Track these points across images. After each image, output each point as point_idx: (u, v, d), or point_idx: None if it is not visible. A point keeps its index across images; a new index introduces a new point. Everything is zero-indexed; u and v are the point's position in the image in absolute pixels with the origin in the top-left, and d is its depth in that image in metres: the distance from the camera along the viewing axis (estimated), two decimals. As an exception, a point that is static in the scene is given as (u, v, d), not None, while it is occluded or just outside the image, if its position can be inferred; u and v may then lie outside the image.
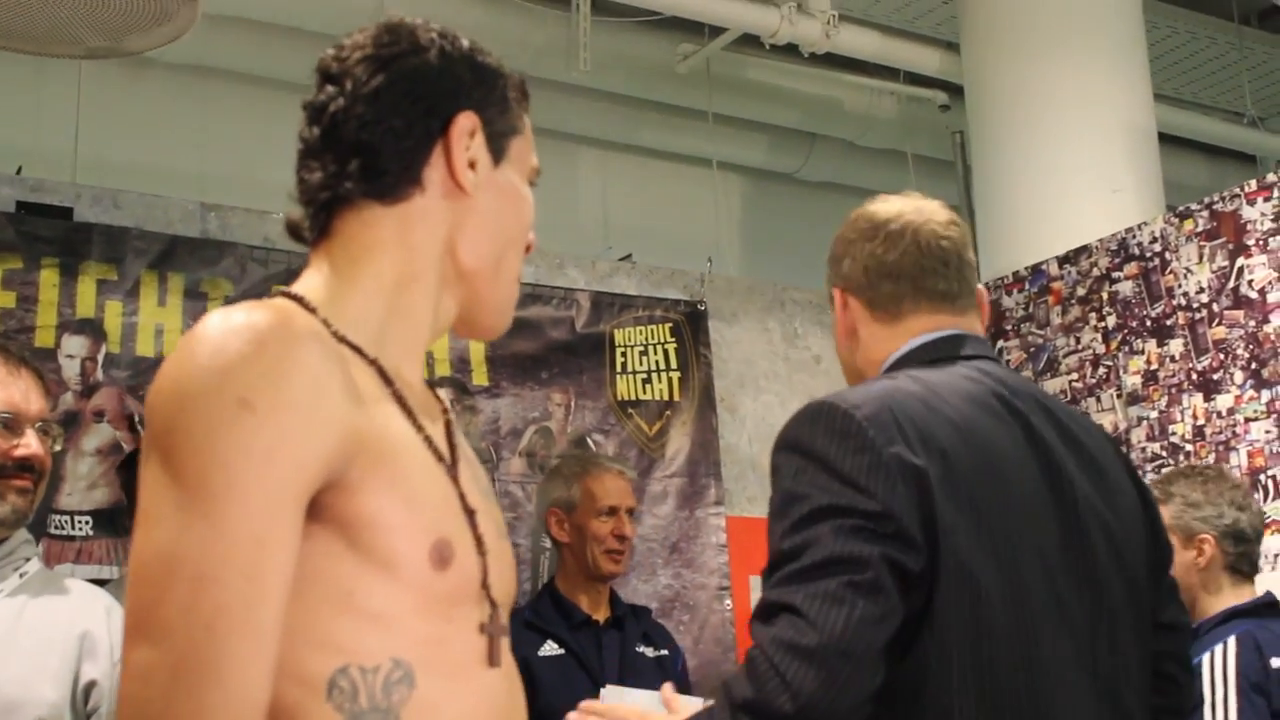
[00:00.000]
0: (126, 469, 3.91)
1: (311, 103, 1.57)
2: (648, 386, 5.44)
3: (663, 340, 5.52)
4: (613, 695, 3.65)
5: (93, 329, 4.45)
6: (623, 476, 4.13)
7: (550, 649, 3.84)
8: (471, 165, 1.57)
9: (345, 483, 1.35)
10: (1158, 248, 5.14)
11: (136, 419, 4.43)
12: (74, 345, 4.42)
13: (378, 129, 1.52)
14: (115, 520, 4.32)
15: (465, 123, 1.56)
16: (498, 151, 1.60)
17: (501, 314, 1.64)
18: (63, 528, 4.24)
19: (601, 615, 3.98)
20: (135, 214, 4.68)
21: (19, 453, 2.51)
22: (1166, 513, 3.30)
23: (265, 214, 4.92)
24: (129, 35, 4.07)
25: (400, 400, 1.49)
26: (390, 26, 1.59)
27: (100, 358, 4.43)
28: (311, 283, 1.54)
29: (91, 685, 2.59)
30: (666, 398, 5.48)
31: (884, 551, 1.77)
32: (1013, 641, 1.83)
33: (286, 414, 1.30)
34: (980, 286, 2.23)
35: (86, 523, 4.29)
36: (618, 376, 5.39)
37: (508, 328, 1.67)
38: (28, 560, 2.64)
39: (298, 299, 1.50)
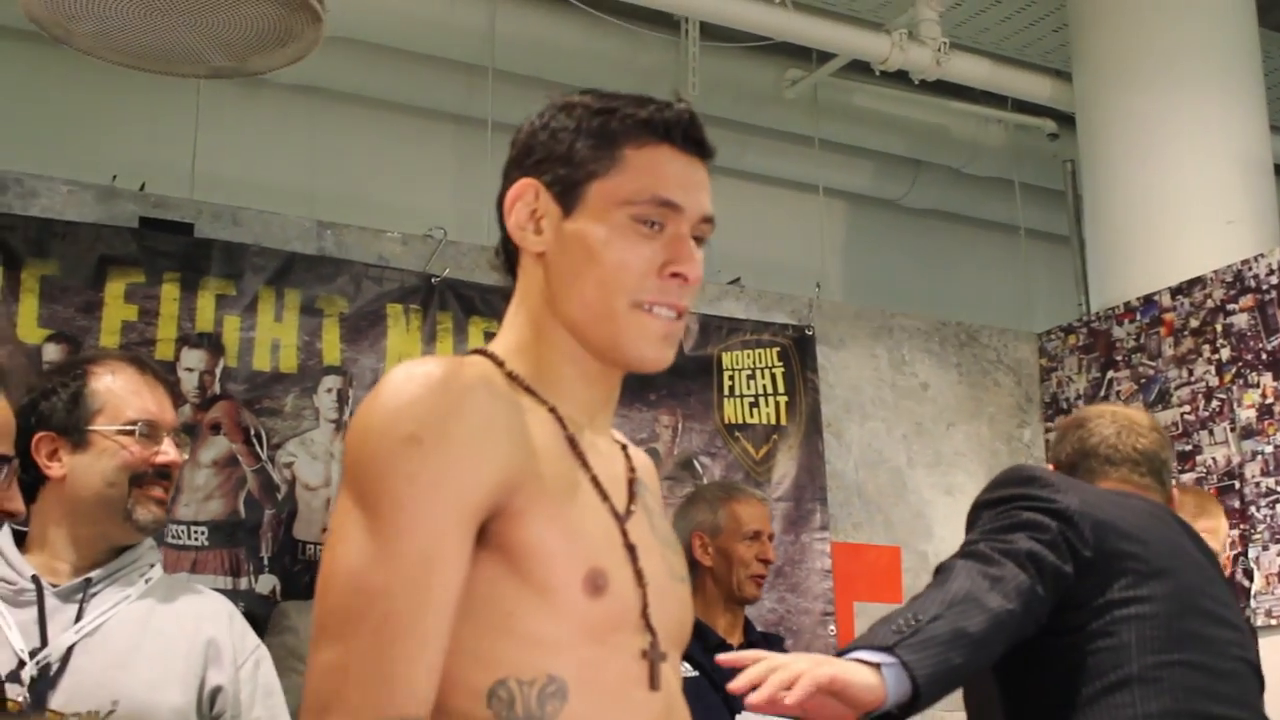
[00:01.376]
0: None
1: None
2: (755, 410, 5.44)
3: (770, 364, 5.52)
4: None
5: (211, 343, 4.51)
6: (764, 503, 4.21)
7: (685, 670, 3.85)
8: (538, 224, 1.69)
9: (509, 513, 1.50)
10: (1274, 280, 5.07)
11: (252, 432, 4.48)
12: (193, 359, 4.48)
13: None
14: (230, 531, 4.37)
15: (515, 190, 1.70)
16: (568, 202, 1.67)
17: (627, 353, 1.67)
18: (179, 538, 4.30)
19: (736, 640, 4.01)
20: (253, 231, 4.75)
21: (159, 460, 2.56)
22: None
23: (380, 232, 4.98)
24: (253, 56, 4.12)
25: (571, 443, 1.63)
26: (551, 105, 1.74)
27: (218, 371, 4.49)
28: (500, 344, 1.73)
29: (217, 691, 2.63)
30: (773, 422, 5.47)
31: None
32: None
33: (451, 447, 1.47)
34: None
35: (202, 533, 4.34)
36: (725, 400, 5.40)
37: (665, 360, 1.70)
38: (153, 566, 2.69)
39: (489, 354, 1.69)
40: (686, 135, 1.75)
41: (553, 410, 1.64)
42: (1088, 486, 2.57)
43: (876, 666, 2.02)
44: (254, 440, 4.48)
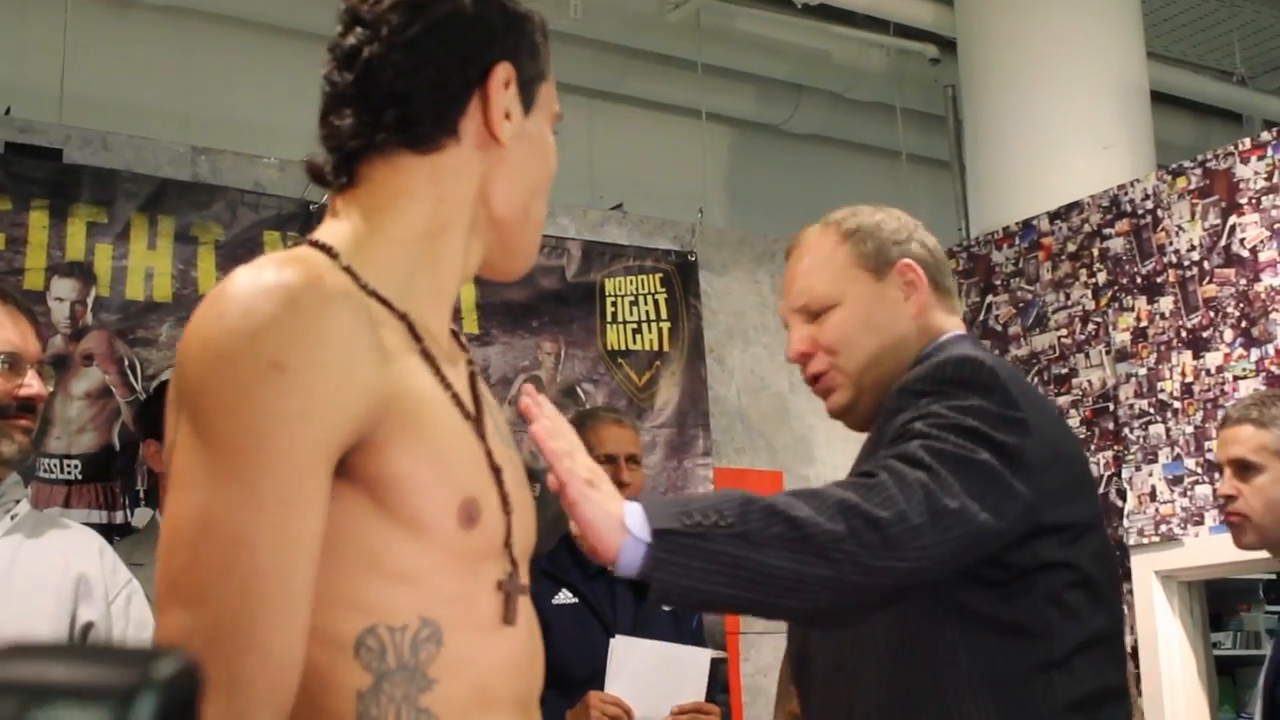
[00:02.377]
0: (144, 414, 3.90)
1: (340, 45, 1.52)
2: (638, 336, 5.43)
3: (653, 290, 5.51)
4: (622, 646, 3.67)
5: (82, 272, 4.41)
6: (621, 424, 4.17)
7: (565, 597, 3.89)
8: (506, 116, 1.53)
9: (373, 443, 1.35)
10: (1149, 205, 5.14)
11: (126, 363, 4.40)
12: (63, 288, 4.38)
13: (415, 79, 1.49)
14: (104, 464, 4.30)
15: (502, 74, 1.53)
16: (528, 100, 1.57)
17: (528, 257, 1.63)
18: (51, 471, 4.22)
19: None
20: (125, 156, 4.64)
21: (22, 392, 2.50)
22: (1267, 436, 3.19)
23: (256, 158, 4.89)
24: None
25: (428, 357, 1.48)
26: None
27: (90, 301, 4.39)
28: (338, 231, 1.51)
29: (89, 627, 2.58)
30: (656, 348, 5.47)
31: None
32: None
33: (318, 376, 1.31)
34: None
35: (75, 466, 4.26)
36: (608, 326, 5.38)
37: (529, 268, 1.66)
38: (18, 502, 2.63)
39: (325, 248, 1.48)
40: None
41: (404, 318, 1.48)
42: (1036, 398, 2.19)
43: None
44: (128, 371, 4.39)
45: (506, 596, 1.47)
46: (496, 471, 1.48)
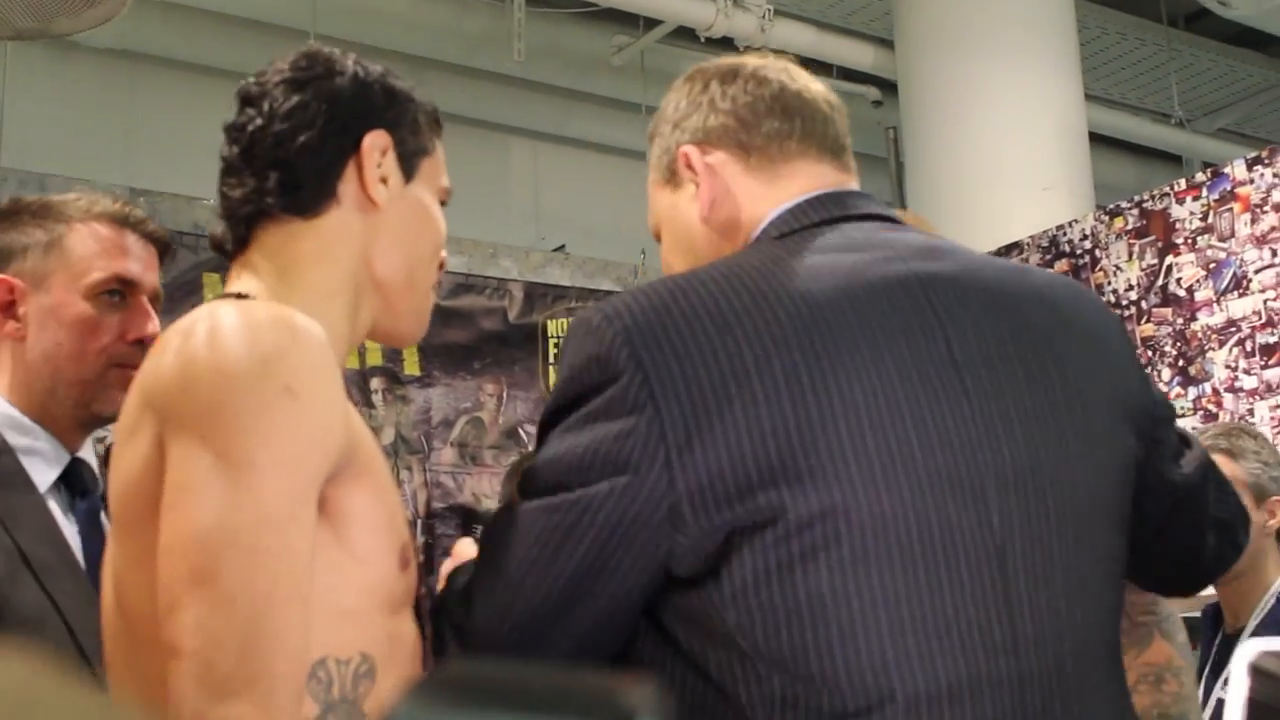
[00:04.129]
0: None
1: (231, 124, 1.63)
2: (580, 378, 5.42)
3: (595, 332, 5.50)
4: None
5: (18, 314, 4.37)
6: None
7: None
8: (383, 181, 1.61)
9: (344, 476, 1.42)
10: (1088, 245, 5.18)
11: None
12: None
13: (293, 145, 1.57)
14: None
15: (377, 140, 1.61)
16: (409, 170, 1.65)
17: (416, 323, 1.69)
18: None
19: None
20: (62, 198, 4.61)
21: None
22: (1238, 469, 3.08)
23: (194, 200, 4.87)
24: (58, 17, 4.01)
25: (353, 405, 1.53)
26: (309, 53, 1.65)
27: (25, 343, 4.35)
28: (255, 289, 1.56)
29: None
30: (599, 389, 5.45)
31: None
32: None
33: (320, 405, 1.39)
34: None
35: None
36: (550, 367, 5.37)
37: (422, 335, 1.71)
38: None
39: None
40: None
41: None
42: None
43: None
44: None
45: (424, 640, 1.54)
46: (411, 524, 1.54)
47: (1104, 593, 1.49)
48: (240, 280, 1.58)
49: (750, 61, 1.76)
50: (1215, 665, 3.25)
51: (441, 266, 1.70)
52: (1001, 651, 1.37)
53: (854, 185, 1.71)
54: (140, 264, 2.07)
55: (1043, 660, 1.39)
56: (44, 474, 1.97)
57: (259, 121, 1.59)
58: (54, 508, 1.95)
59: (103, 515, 1.98)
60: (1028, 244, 5.38)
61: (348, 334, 1.61)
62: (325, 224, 1.58)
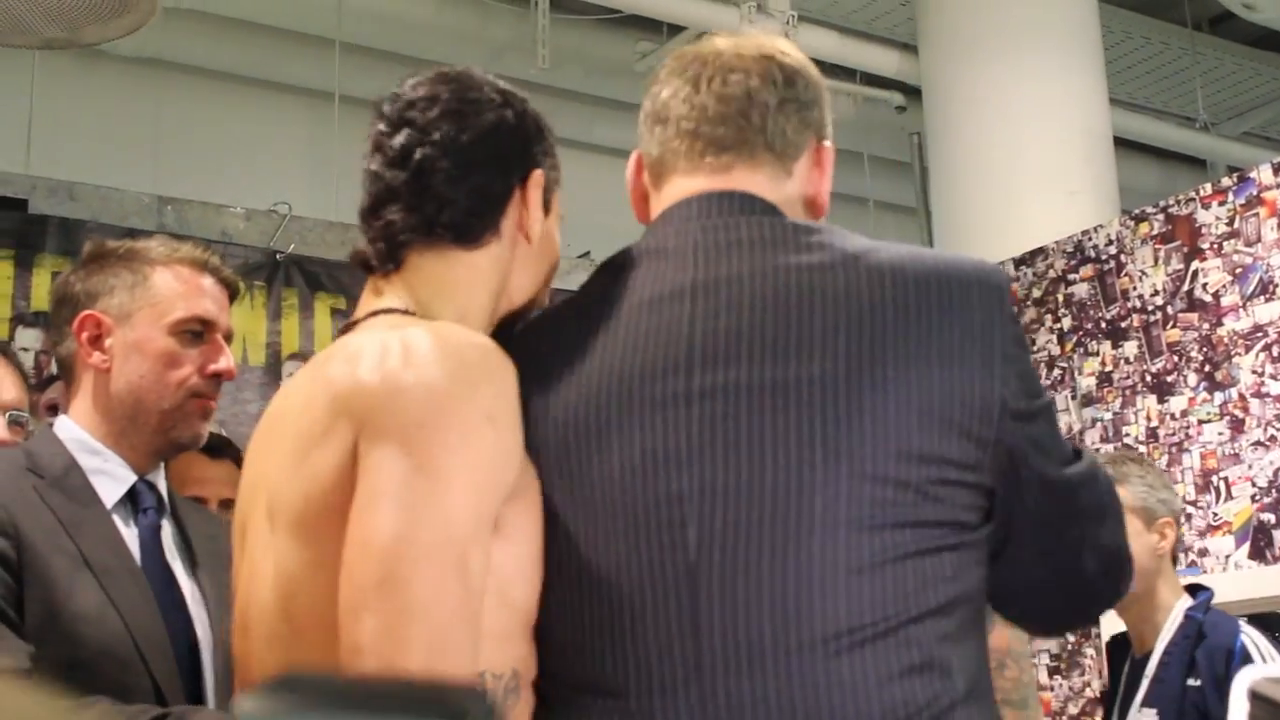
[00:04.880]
0: None
1: (388, 143, 1.67)
2: (605, 384, 5.42)
3: (620, 338, 5.51)
4: None
5: (47, 322, 4.39)
6: None
7: None
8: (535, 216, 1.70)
9: (514, 499, 1.49)
10: (1113, 250, 5.17)
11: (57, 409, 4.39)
12: (28, 338, 4.38)
13: (464, 183, 1.64)
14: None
15: (539, 180, 1.69)
16: (547, 203, 1.73)
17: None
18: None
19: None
20: (91, 206, 4.65)
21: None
22: (1125, 493, 3.08)
23: (222, 207, 4.90)
24: (86, 26, 4.03)
25: None
26: (449, 76, 1.69)
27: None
28: (405, 305, 1.64)
29: None
30: (624, 395, 5.46)
31: None
32: None
33: (511, 433, 1.48)
34: (824, 144, 1.76)
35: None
36: (575, 374, 5.38)
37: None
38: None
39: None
40: None
41: None
42: None
43: None
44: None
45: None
46: None
47: (859, 596, 1.45)
48: (389, 297, 1.65)
49: (683, 56, 1.76)
50: (1127, 691, 3.25)
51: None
52: (683, 671, 1.45)
53: (732, 177, 1.68)
54: (216, 305, 2.23)
55: (731, 682, 1.43)
56: (110, 491, 2.13)
57: (428, 151, 1.64)
58: (117, 520, 2.11)
59: (166, 527, 2.19)
60: (1052, 249, 5.38)
61: None
62: (483, 256, 1.66)
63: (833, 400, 1.48)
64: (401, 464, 1.41)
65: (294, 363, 4.79)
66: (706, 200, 1.66)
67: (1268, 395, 4.60)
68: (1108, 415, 5.07)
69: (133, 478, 2.17)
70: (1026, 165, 5.76)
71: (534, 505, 1.53)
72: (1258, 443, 4.61)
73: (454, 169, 1.64)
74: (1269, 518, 4.54)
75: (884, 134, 7.32)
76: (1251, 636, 3.15)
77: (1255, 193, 4.75)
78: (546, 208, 1.72)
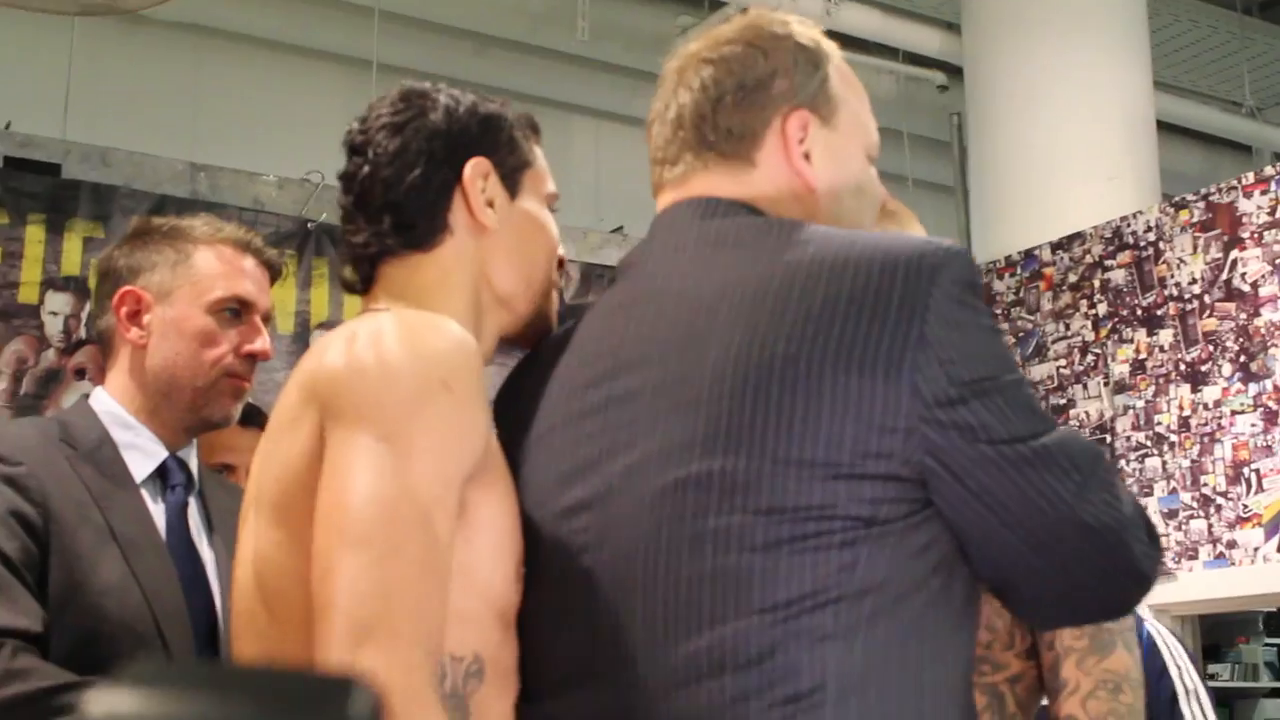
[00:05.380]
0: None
1: (343, 173, 1.75)
2: (635, 360, 5.42)
3: (651, 314, 5.50)
4: None
5: (77, 286, 4.42)
6: None
7: None
8: (490, 204, 1.73)
9: (478, 481, 1.53)
10: (1152, 237, 5.12)
11: (85, 373, 4.42)
12: (58, 302, 4.40)
13: (401, 188, 1.70)
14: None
15: (477, 167, 1.73)
16: (512, 187, 1.76)
17: (544, 325, 1.79)
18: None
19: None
20: (124, 172, 4.66)
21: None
22: None
23: (255, 175, 4.90)
24: (123, -8, 4.04)
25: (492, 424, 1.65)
26: (404, 94, 1.76)
27: (84, 315, 4.40)
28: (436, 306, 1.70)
29: None
30: (653, 372, 5.45)
31: None
32: None
33: (472, 403, 1.51)
34: (795, 111, 1.71)
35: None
36: (605, 349, 5.38)
37: (552, 332, 1.80)
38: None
39: None
40: None
41: None
42: None
43: None
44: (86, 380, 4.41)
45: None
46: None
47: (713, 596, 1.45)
48: (376, 305, 1.71)
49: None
50: None
51: (561, 265, 1.82)
52: (579, 677, 1.52)
53: (690, 186, 1.71)
54: (256, 286, 2.25)
55: (617, 687, 1.48)
56: (141, 466, 2.15)
57: (367, 169, 1.72)
58: (145, 495, 2.14)
59: (192, 504, 2.21)
60: (1090, 234, 5.33)
61: (483, 338, 1.70)
62: (443, 254, 1.70)
63: (720, 398, 1.48)
64: (360, 436, 1.46)
65: (321, 331, 4.79)
66: (667, 212, 1.72)
67: (1303, 388, 4.55)
68: (1140, 403, 5.03)
69: (164, 453, 2.18)
70: (1066, 149, 5.70)
71: (504, 497, 1.57)
72: (1291, 435, 4.57)
73: (389, 178, 1.71)
74: (1300, 511, 4.50)
75: (925, 113, 7.27)
76: (1157, 627, 3.14)
77: (1297, 182, 4.70)
78: (513, 191, 1.76)
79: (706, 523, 1.46)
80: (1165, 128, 6.76)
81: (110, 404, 2.20)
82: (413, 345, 1.51)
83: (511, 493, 1.59)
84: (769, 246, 1.58)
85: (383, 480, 1.44)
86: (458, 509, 1.49)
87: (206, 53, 6.05)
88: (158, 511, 2.15)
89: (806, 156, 1.69)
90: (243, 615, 1.60)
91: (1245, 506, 4.64)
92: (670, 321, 1.57)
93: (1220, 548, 4.69)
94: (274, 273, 2.31)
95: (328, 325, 4.81)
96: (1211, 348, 4.85)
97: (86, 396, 2.23)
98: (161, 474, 2.18)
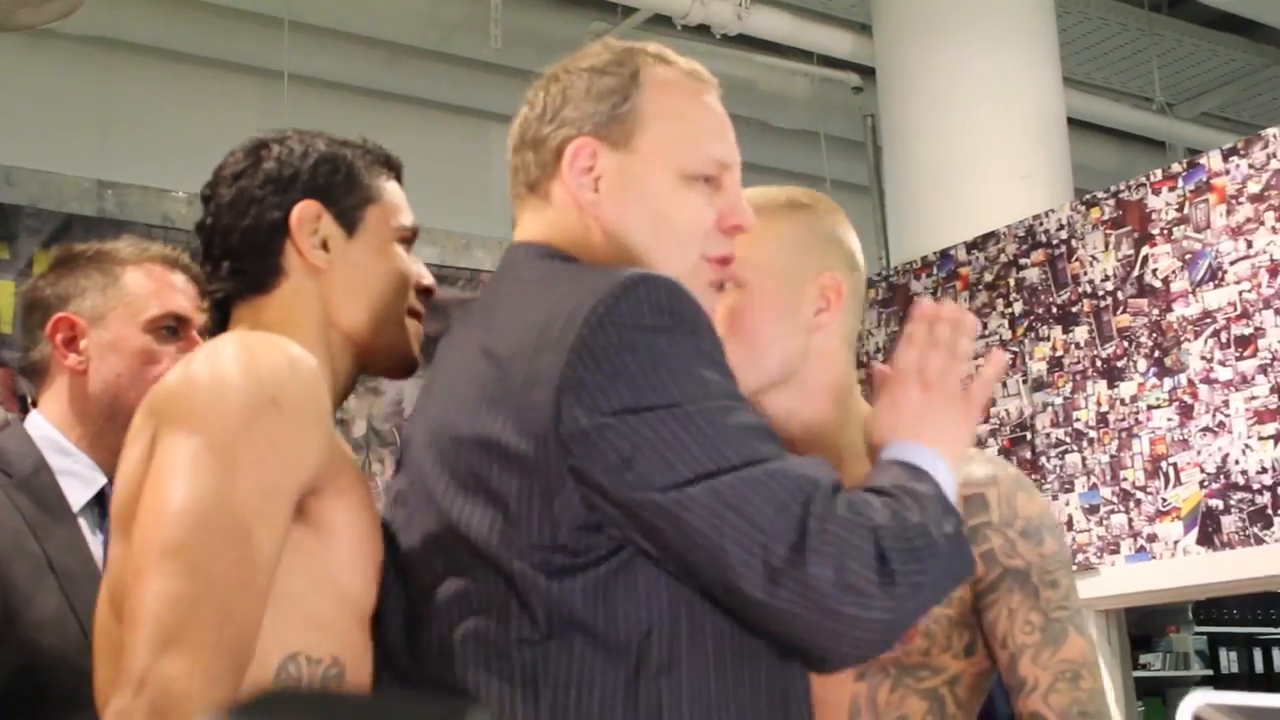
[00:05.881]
0: None
1: (196, 224, 1.83)
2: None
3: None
4: None
5: (-18, 308, 4.35)
6: None
7: None
8: (325, 244, 1.77)
9: (326, 492, 1.57)
10: (1064, 235, 5.16)
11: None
12: (-37, 324, 4.32)
13: (234, 235, 1.76)
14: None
15: (306, 210, 1.77)
16: (349, 225, 1.80)
17: (401, 356, 1.83)
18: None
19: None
20: (29, 191, 4.59)
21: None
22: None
23: (164, 192, 4.84)
24: (20, 10, 3.97)
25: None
26: (251, 144, 1.83)
27: (-10, 337, 4.33)
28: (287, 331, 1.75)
29: None
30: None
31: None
32: None
33: (304, 420, 1.55)
34: (575, 139, 1.72)
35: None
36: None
37: (415, 362, 1.85)
38: None
39: None
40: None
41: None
42: None
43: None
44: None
45: None
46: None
47: (438, 631, 1.53)
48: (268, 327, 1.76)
49: None
50: None
51: (429, 292, 1.86)
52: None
53: (520, 226, 1.76)
54: (190, 300, 2.31)
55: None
56: (79, 494, 2.18)
57: (209, 219, 1.79)
58: (83, 525, 2.17)
59: None
60: (1004, 233, 5.36)
61: (330, 386, 1.71)
62: (282, 295, 1.75)
63: (436, 444, 1.57)
64: (185, 444, 1.50)
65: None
66: (505, 255, 1.79)
67: (1216, 381, 4.59)
68: (1058, 400, 5.06)
69: (102, 480, 2.18)
70: (979, 148, 5.73)
71: (357, 505, 1.62)
72: (1206, 429, 4.61)
73: (226, 226, 1.77)
74: (1217, 504, 4.53)
75: (840, 114, 7.29)
76: None
77: (1205, 179, 4.73)
78: (350, 228, 1.79)
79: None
80: (1080, 125, 6.82)
81: (48, 429, 2.20)
82: (245, 362, 1.55)
83: (367, 501, 1.64)
84: (485, 300, 1.70)
85: (201, 491, 1.46)
86: (302, 521, 1.54)
87: (114, 67, 5.98)
88: (95, 542, 2.13)
89: (596, 186, 1.68)
90: (101, 635, 1.61)
91: (1164, 500, 4.68)
92: (440, 377, 1.68)
93: (1141, 541, 4.72)
94: (203, 287, 2.30)
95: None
96: (1126, 343, 4.89)
97: (22, 419, 2.26)
98: (100, 501, 2.17)
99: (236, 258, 1.77)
